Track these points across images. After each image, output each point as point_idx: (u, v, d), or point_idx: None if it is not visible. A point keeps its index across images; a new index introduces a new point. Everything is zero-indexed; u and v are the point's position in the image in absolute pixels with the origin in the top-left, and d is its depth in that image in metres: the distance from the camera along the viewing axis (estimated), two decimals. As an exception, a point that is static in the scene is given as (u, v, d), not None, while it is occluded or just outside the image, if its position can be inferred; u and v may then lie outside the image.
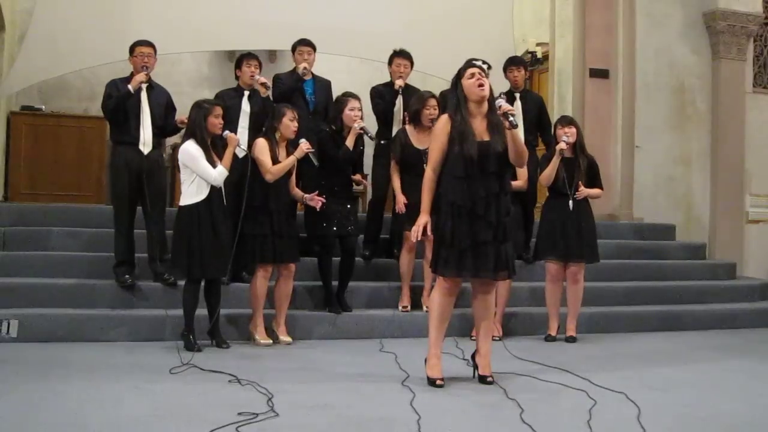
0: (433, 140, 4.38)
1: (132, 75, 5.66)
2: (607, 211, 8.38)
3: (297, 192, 5.58)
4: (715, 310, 6.92)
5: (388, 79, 6.55)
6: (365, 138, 5.87)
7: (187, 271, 5.07)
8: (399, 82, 6.36)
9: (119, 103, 5.56)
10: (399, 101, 6.38)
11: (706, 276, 7.65)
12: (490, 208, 4.20)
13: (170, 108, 5.80)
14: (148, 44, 5.70)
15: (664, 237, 8.14)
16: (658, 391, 4.32)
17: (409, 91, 6.44)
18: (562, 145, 5.73)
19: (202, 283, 5.17)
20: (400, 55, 6.43)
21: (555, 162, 5.73)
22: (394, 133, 6.20)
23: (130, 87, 5.53)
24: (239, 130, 5.80)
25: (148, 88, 5.66)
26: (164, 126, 5.76)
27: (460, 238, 4.19)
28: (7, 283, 5.51)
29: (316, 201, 5.48)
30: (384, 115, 6.40)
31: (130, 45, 5.71)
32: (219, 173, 5.02)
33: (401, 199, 5.80)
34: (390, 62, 6.48)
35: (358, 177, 5.94)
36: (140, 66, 5.60)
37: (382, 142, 6.33)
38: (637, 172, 8.59)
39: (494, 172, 4.24)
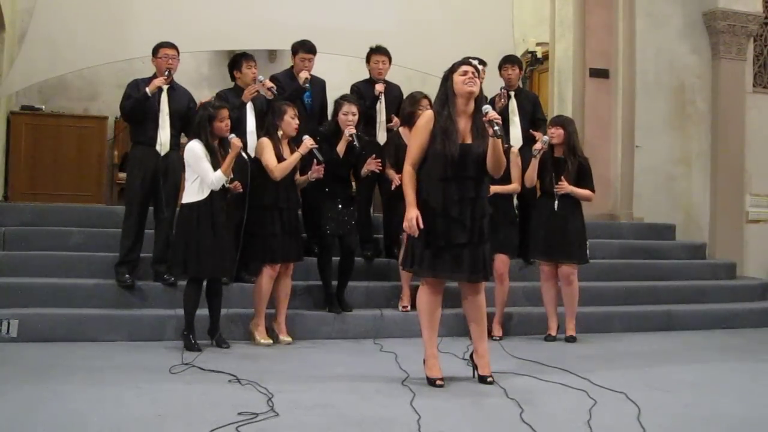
0: (414, 136, 4.31)
1: (155, 75, 5.62)
2: (607, 211, 8.38)
3: (301, 178, 5.53)
4: (715, 310, 6.92)
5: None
6: (357, 143, 5.57)
7: (183, 269, 5.06)
8: (379, 87, 6.24)
9: (136, 106, 5.53)
10: (381, 101, 6.30)
11: (706, 276, 7.65)
12: (464, 211, 4.16)
13: (192, 110, 5.71)
14: (172, 46, 5.64)
15: (664, 237, 8.14)
16: (658, 391, 4.32)
17: (389, 86, 6.42)
18: (537, 146, 5.76)
19: (204, 283, 5.17)
20: (377, 51, 6.35)
21: (534, 163, 5.75)
22: (377, 130, 6.17)
23: (147, 90, 5.49)
24: (248, 137, 5.78)
25: (169, 90, 5.63)
26: (184, 126, 5.69)
27: (434, 238, 4.16)
28: (7, 283, 5.50)
29: (318, 171, 5.42)
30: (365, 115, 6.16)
31: (154, 46, 5.66)
32: (216, 178, 4.97)
33: (396, 177, 5.61)
34: (368, 59, 6.40)
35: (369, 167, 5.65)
36: (164, 68, 5.56)
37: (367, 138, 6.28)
38: (637, 172, 8.58)
39: (472, 176, 4.19)
